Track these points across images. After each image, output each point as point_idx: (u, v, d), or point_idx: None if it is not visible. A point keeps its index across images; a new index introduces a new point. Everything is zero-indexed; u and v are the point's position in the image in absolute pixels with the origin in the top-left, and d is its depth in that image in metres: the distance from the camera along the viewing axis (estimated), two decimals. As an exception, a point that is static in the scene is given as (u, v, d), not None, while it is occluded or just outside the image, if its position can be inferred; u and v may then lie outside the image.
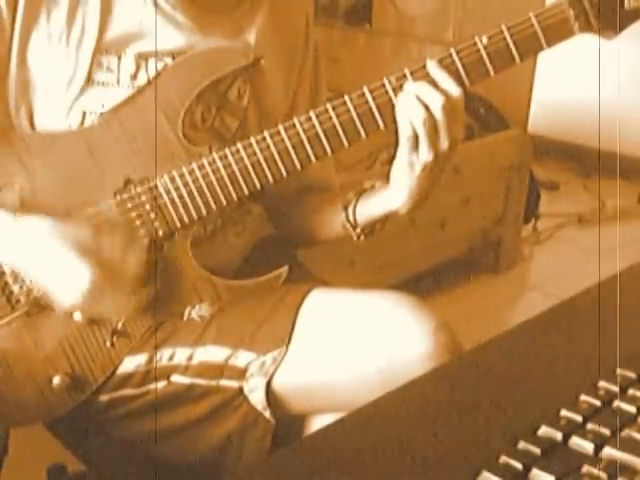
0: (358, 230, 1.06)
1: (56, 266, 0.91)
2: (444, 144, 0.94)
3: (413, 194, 0.98)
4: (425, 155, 0.94)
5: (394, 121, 0.95)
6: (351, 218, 1.05)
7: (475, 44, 0.94)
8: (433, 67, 0.93)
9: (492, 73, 0.95)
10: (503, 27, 0.93)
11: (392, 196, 1.00)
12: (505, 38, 0.93)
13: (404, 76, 0.94)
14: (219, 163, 0.95)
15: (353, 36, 3.56)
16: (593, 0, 0.93)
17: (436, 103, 0.92)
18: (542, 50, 0.95)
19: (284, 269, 1.01)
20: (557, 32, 0.94)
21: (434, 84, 0.93)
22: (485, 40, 0.93)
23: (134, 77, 0.98)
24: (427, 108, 0.92)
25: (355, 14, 3.79)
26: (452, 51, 0.94)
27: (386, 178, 1.01)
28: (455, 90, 0.93)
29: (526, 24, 0.93)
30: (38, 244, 0.91)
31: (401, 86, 0.94)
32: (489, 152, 2.55)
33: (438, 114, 0.92)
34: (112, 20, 0.97)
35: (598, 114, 3.56)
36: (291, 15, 1.11)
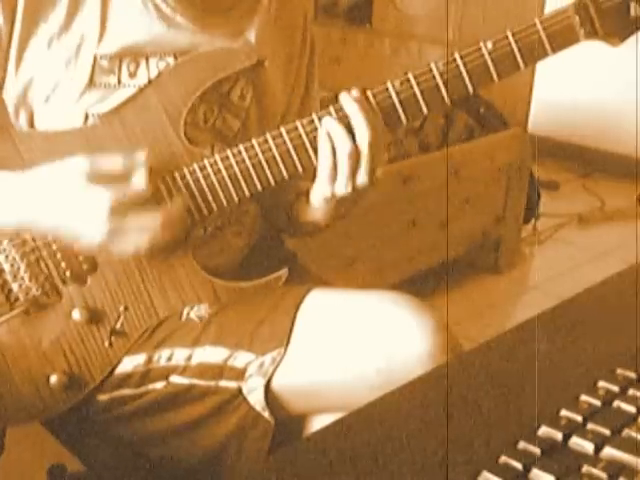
0: (291, 230, 1.11)
1: (68, 204, 0.89)
2: (363, 179, 0.94)
3: (328, 217, 1.02)
4: (342, 189, 0.95)
5: (398, 122, 0.95)
6: (292, 219, 1.09)
7: (480, 49, 0.93)
8: (347, 102, 0.93)
9: (496, 79, 0.94)
10: (508, 33, 0.93)
11: (311, 212, 1.03)
12: (510, 44, 0.93)
13: (407, 80, 0.94)
14: (220, 164, 0.95)
15: (353, 36, 3.56)
16: (599, 7, 0.93)
17: (365, 137, 0.92)
18: (547, 56, 0.95)
19: (284, 271, 1.01)
20: (562, 38, 0.94)
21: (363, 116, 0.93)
22: (490, 45, 0.93)
23: (136, 77, 0.98)
24: (354, 140, 0.93)
25: (355, 14, 3.80)
26: (456, 56, 0.93)
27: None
28: (367, 129, 0.93)
29: (531, 30, 0.93)
30: (46, 187, 0.90)
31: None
32: (489, 152, 2.55)
33: (365, 154, 0.93)
34: (112, 22, 0.97)
35: (598, 114, 3.57)
36: (290, 13, 1.11)
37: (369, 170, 0.94)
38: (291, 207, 1.08)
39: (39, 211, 0.91)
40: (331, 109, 0.94)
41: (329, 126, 0.94)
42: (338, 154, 0.93)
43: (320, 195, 0.98)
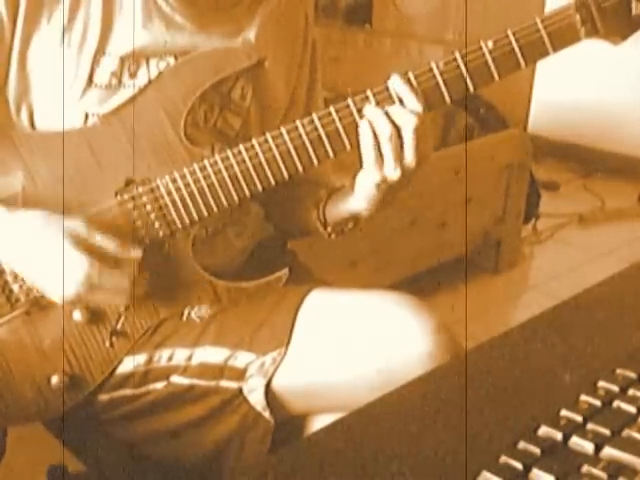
0: (329, 229, 1.07)
1: (49, 256, 0.89)
2: (411, 162, 0.94)
3: (376, 204, 1.00)
4: (391, 172, 0.95)
5: None
6: (321, 216, 1.07)
7: (480, 48, 0.93)
8: (397, 82, 0.93)
9: (497, 78, 0.94)
10: (509, 32, 0.93)
11: (355, 202, 1.02)
12: (511, 43, 0.92)
13: (408, 80, 0.94)
14: (221, 164, 0.95)
15: (353, 36, 3.56)
16: (600, 5, 0.93)
17: (410, 124, 0.92)
18: (548, 55, 0.94)
19: (284, 272, 1.01)
20: (563, 37, 0.93)
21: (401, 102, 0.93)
22: (491, 44, 0.93)
23: (136, 78, 0.98)
24: (395, 126, 0.93)
25: (355, 14, 3.79)
26: (457, 55, 0.93)
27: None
28: (418, 106, 0.93)
29: (532, 29, 0.93)
30: (30, 235, 0.90)
31: None
32: (489, 152, 2.55)
33: (409, 134, 0.93)
34: (113, 22, 0.97)
35: (598, 114, 3.56)
36: (290, 12, 1.11)
37: (415, 151, 0.94)
38: (322, 205, 1.07)
39: (17, 255, 0.92)
40: (369, 94, 0.94)
41: (369, 112, 0.94)
42: (380, 138, 0.93)
43: (370, 181, 0.97)
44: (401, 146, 0.93)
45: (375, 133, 0.93)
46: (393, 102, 0.94)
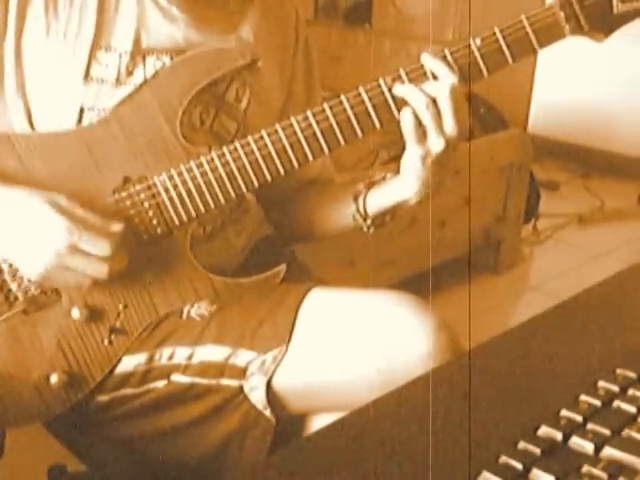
0: (369, 221, 1.06)
1: (29, 223, 0.89)
2: (452, 130, 0.94)
3: (424, 184, 0.99)
4: (435, 142, 0.94)
5: (390, 121, 0.96)
6: (361, 209, 1.05)
7: (469, 45, 0.95)
8: (428, 58, 0.94)
9: (486, 74, 0.96)
10: (496, 29, 0.95)
11: (403, 186, 1.00)
12: (498, 40, 0.95)
13: (399, 76, 0.95)
14: (217, 162, 0.95)
15: (353, 36, 3.56)
16: (583, 3, 0.96)
17: (443, 92, 0.93)
18: (534, 51, 0.97)
19: (282, 267, 1.01)
20: (548, 34, 0.96)
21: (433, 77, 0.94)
22: (478, 41, 0.95)
23: (132, 74, 0.99)
24: (429, 97, 0.93)
25: (355, 14, 3.80)
26: (446, 52, 0.95)
27: (396, 171, 1.01)
28: (452, 77, 0.94)
29: (518, 26, 0.95)
30: (12, 207, 0.90)
31: None
32: (489, 152, 2.55)
33: (445, 101, 0.93)
34: (109, 16, 0.98)
35: (598, 114, 3.57)
36: (279, 10, 1.12)
37: (454, 118, 0.94)
38: (362, 197, 1.05)
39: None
40: (402, 73, 0.94)
41: (400, 89, 0.94)
42: (417, 108, 0.93)
43: (415, 157, 0.96)
44: (439, 115, 0.93)
45: (412, 107, 0.93)
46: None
